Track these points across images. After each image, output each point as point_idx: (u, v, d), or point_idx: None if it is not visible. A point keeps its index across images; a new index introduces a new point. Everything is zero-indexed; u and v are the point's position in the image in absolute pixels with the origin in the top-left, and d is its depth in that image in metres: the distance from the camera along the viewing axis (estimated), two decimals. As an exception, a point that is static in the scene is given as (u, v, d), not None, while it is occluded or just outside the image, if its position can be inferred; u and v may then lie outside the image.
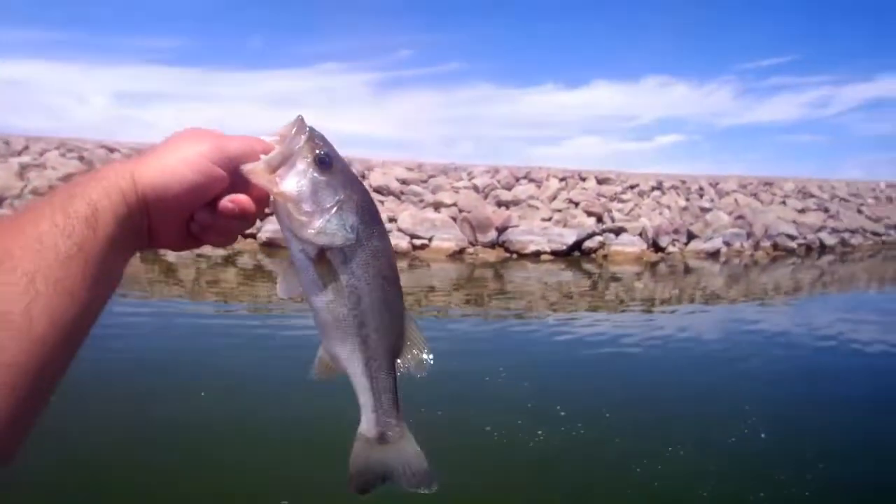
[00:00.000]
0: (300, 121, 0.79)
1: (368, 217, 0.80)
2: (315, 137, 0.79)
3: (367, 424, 0.86)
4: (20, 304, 0.53)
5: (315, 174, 0.77)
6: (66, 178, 19.17)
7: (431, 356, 0.86)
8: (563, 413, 5.59)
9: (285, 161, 0.77)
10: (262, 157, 0.76)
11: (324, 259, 0.78)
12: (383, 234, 0.82)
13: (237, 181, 0.76)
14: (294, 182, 0.76)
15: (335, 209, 0.77)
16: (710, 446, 5.16)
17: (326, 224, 0.77)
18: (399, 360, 0.86)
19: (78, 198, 0.62)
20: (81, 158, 21.65)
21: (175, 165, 0.71)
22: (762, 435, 5.34)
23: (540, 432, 5.16)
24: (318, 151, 0.78)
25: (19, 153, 21.37)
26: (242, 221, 0.78)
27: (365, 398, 0.85)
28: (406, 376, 0.86)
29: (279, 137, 0.79)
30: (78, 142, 24.74)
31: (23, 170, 19.74)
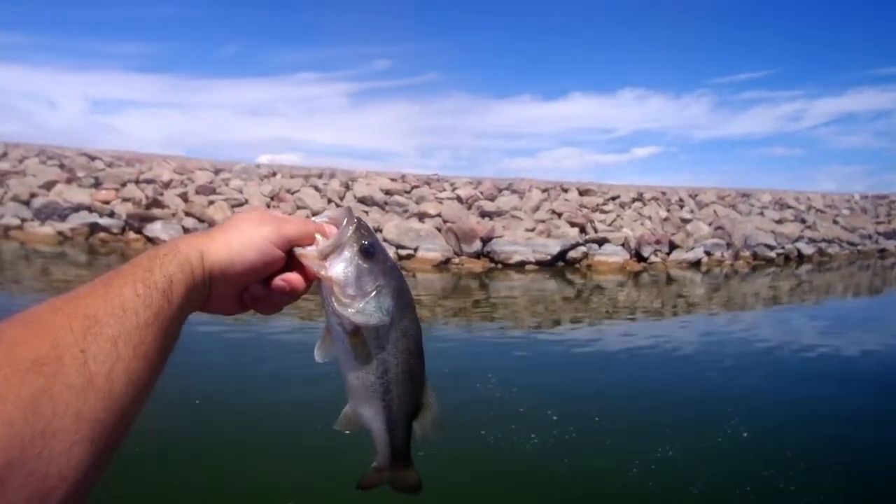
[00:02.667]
0: (349, 212, 0.91)
1: (402, 302, 0.90)
2: (361, 229, 0.89)
3: (381, 462, 1.00)
4: (105, 366, 0.59)
5: (359, 262, 0.87)
6: (48, 185, 18.93)
7: (443, 427, 0.98)
8: (554, 417, 5.69)
9: (335, 250, 0.87)
10: (317, 241, 0.87)
11: (358, 333, 0.88)
12: (414, 317, 0.93)
13: (290, 259, 0.86)
14: (341, 268, 0.86)
15: (374, 293, 0.87)
16: (698, 446, 5.29)
17: (365, 306, 0.86)
18: (415, 423, 0.97)
19: (156, 270, 0.70)
20: (62, 166, 21.36)
21: (240, 246, 0.80)
22: (744, 434, 5.50)
23: (533, 435, 5.25)
24: (363, 242, 0.88)
25: (-3, 159, 21.09)
26: (291, 297, 0.87)
27: (382, 448, 0.98)
28: (420, 437, 0.97)
29: (328, 219, 0.90)
30: (57, 149, 24.41)
31: (2, 177, 19.47)
